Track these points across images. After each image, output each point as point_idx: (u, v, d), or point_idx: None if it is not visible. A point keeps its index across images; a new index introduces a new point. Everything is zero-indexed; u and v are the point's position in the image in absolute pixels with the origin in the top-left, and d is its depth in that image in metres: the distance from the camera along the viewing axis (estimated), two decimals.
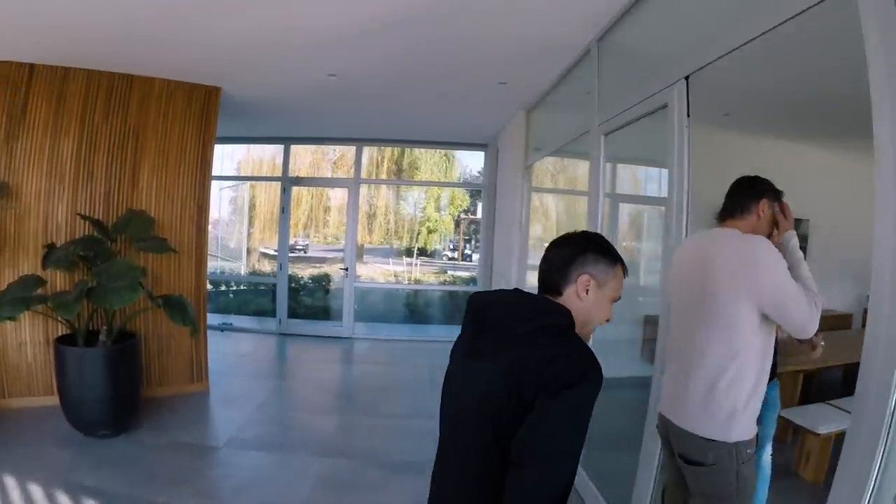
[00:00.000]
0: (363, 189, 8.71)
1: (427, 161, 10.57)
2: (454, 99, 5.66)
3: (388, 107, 6.16)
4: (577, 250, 1.34)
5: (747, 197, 2.08)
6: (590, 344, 1.33)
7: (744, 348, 1.87)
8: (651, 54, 3.06)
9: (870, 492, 1.44)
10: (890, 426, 1.40)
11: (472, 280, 9.65)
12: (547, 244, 1.42)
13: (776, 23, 1.85)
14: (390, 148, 9.79)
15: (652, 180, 4.73)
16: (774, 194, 2.09)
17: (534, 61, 4.29)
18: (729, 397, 1.88)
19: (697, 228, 2.47)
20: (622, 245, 3.99)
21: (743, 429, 1.90)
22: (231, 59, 4.57)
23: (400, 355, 7.35)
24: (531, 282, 5.95)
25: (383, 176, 10.37)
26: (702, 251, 2.03)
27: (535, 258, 6.14)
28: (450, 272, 11.46)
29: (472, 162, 11.77)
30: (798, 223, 2.33)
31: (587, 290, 1.31)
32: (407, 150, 10.19)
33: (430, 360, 6.86)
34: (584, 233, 1.41)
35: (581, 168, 5.17)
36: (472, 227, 11.85)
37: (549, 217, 6.08)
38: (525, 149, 5.81)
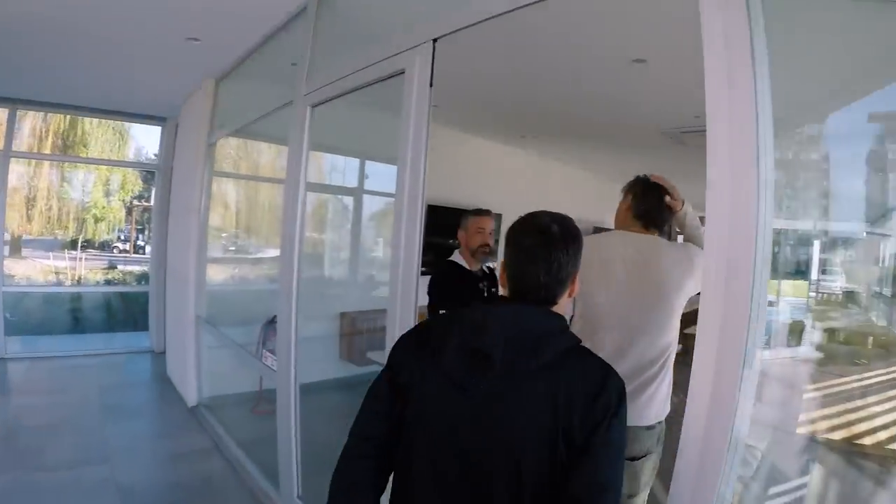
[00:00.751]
0: (20, 167, 6.76)
1: (98, 138, 8.49)
2: (134, 54, 4.24)
3: (53, 58, 4.41)
4: (575, 249, 1.14)
5: (667, 219, 2.09)
6: None
7: (676, 340, 2.00)
8: (389, 14, 2.57)
9: None
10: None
11: (145, 277, 7.89)
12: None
13: None
14: (58, 118, 7.46)
15: (338, 170, 4.26)
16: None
17: (236, 15, 3.34)
18: (664, 384, 1.97)
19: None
20: (314, 236, 3.49)
21: (668, 405, 2.00)
22: None
23: (65, 377, 5.62)
24: (214, 278, 4.98)
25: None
26: (638, 259, 1.99)
27: (218, 251, 5.17)
28: (121, 267, 9.82)
29: (148, 142, 10.04)
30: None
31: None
32: (79, 125, 7.90)
33: (99, 380, 5.49)
34: (560, 222, 1.15)
35: (268, 151, 4.37)
36: (147, 215, 10.23)
37: (235, 205, 5.04)
38: (210, 124, 4.68)
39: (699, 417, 1.20)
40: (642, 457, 1.94)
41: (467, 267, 2.90)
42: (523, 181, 7.04)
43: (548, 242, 1.11)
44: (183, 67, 4.53)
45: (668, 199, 2.02)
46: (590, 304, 2.01)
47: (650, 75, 3.60)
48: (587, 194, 8.58)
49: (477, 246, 2.84)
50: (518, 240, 1.14)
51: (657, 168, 2.41)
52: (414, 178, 2.05)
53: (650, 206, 2.04)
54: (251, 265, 4.83)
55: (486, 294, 2.85)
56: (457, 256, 2.93)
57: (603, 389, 1.04)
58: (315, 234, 3.92)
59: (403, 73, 2.15)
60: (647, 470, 1.96)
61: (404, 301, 2.06)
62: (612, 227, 2.14)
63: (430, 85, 2.04)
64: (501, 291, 1.20)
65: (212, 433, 4.19)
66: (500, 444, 1.05)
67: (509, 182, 6.78)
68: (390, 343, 2.12)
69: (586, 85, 4.07)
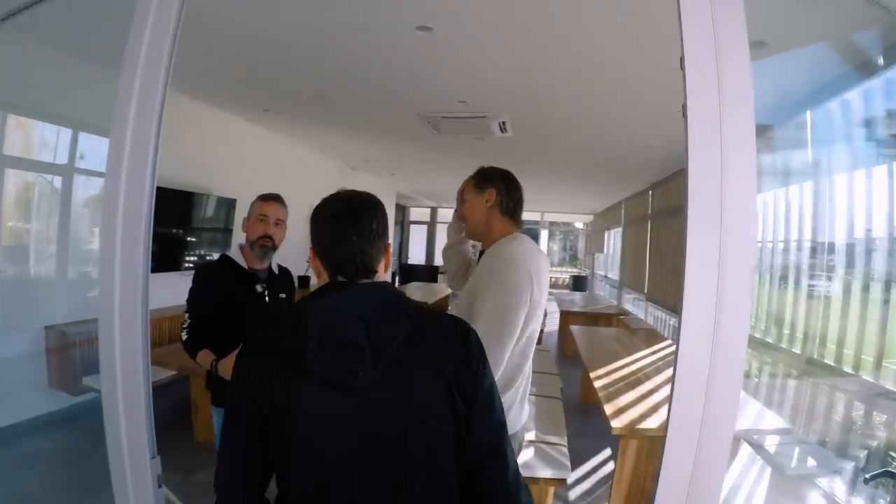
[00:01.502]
0: None
1: None
2: None
3: None
4: (383, 217, 1.08)
5: None
6: None
7: None
8: None
9: None
10: None
11: None
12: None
13: None
14: None
15: (47, 144, 3.22)
16: None
17: None
18: None
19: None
20: (9, 225, 2.55)
21: None
22: None
23: None
24: None
25: None
26: (544, 270, 1.67)
27: None
28: None
29: None
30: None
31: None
32: None
33: None
34: (362, 193, 1.10)
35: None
36: None
37: None
38: None
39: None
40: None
41: (244, 265, 2.21)
42: (262, 162, 6.32)
43: (354, 209, 1.06)
44: None
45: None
46: (527, 336, 1.64)
47: (432, 46, 3.23)
48: (331, 182, 8.08)
49: (256, 238, 2.18)
50: (323, 213, 1.07)
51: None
52: (143, 119, 1.30)
53: (518, 200, 1.72)
54: None
55: (266, 300, 2.21)
56: (235, 251, 2.24)
57: (468, 336, 1.06)
58: (20, 224, 2.90)
59: None
60: None
61: (125, 306, 1.34)
62: None
63: None
64: (314, 280, 0.90)
65: None
66: (408, 430, 0.99)
67: (246, 163, 5.97)
68: (107, 361, 1.39)
69: (352, 53, 3.53)
